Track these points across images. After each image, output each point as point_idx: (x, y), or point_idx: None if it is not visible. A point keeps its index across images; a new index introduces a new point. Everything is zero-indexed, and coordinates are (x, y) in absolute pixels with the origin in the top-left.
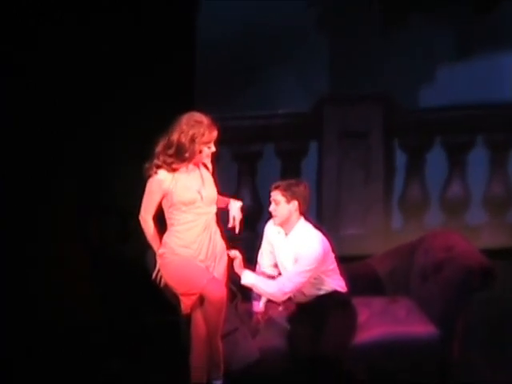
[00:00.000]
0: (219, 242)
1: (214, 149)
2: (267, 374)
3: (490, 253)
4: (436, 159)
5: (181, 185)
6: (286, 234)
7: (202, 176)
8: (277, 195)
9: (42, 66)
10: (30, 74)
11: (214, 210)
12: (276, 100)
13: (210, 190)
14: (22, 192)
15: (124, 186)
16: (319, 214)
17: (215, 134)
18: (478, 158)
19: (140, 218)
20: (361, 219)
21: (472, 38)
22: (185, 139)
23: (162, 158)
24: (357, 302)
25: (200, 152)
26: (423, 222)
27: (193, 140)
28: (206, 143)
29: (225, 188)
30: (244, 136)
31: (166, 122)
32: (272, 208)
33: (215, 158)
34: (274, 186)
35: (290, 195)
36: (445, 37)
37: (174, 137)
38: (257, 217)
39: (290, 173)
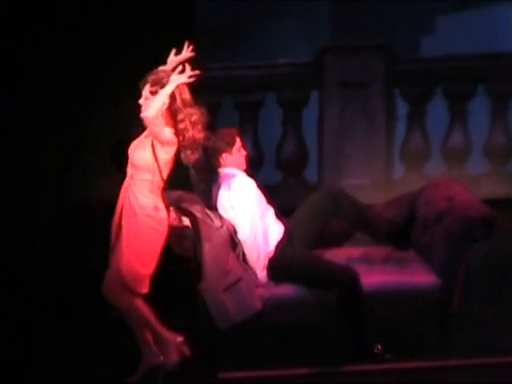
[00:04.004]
0: None
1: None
2: (270, 322)
3: (491, 202)
4: (437, 109)
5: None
6: None
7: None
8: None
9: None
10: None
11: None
12: (278, 50)
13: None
14: None
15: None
16: (320, 164)
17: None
18: (479, 107)
19: None
20: (362, 169)
21: None
22: None
23: None
24: (358, 251)
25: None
26: (424, 171)
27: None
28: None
29: None
30: (246, 85)
31: None
32: (245, 152)
33: (217, 107)
34: (237, 131)
35: None
36: None
37: None
38: (258, 165)
39: (291, 121)
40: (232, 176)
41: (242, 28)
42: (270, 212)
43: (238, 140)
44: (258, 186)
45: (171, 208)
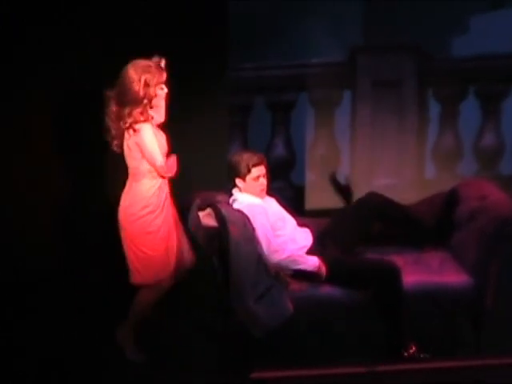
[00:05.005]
0: None
1: (166, 89)
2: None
3: None
4: (469, 108)
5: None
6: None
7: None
8: (264, 168)
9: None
10: None
11: None
12: (310, 49)
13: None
14: None
15: None
16: (352, 164)
17: (165, 74)
18: (511, 107)
19: (159, 167)
20: (394, 169)
21: None
22: (138, 87)
23: (132, 113)
24: (390, 252)
25: (155, 95)
26: (456, 171)
27: (147, 85)
28: (158, 84)
29: (258, 136)
30: (278, 85)
31: (201, 72)
32: (265, 181)
33: (249, 107)
34: (259, 160)
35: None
36: None
37: (127, 88)
38: (290, 166)
39: (323, 122)
40: (235, 200)
41: (274, 27)
42: (292, 222)
43: (255, 170)
44: (278, 200)
45: (208, 209)
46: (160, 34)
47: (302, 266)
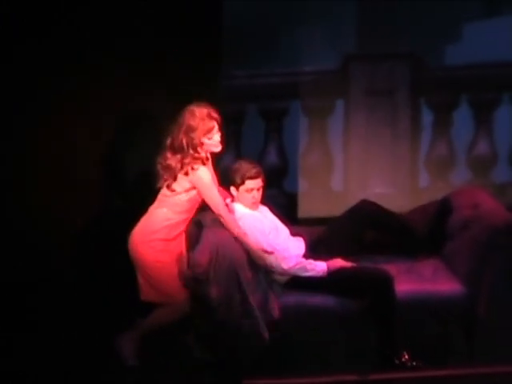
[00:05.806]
0: None
1: (217, 138)
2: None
3: None
4: (463, 117)
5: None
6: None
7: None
8: (260, 182)
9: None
10: None
11: None
12: (303, 57)
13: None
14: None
15: None
16: (346, 172)
17: (212, 124)
18: (504, 115)
19: (223, 214)
20: (387, 177)
21: None
22: (182, 135)
23: (183, 161)
24: (383, 259)
25: (202, 144)
26: (450, 180)
27: (187, 133)
28: (205, 134)
29: (251, 145)
30: (271, 93)
31: (194, 79)
32: (258, 195)
33: (242, 115)
34: (256, 174)
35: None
36: None
37: (175, 134)
38: (283, 173)
39: (316, 130)
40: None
41: (268, 35)
42: (285, 232)
43: (249, 182)
44: (271, 209)
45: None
46: (160, 33)
47: (311, 273)
